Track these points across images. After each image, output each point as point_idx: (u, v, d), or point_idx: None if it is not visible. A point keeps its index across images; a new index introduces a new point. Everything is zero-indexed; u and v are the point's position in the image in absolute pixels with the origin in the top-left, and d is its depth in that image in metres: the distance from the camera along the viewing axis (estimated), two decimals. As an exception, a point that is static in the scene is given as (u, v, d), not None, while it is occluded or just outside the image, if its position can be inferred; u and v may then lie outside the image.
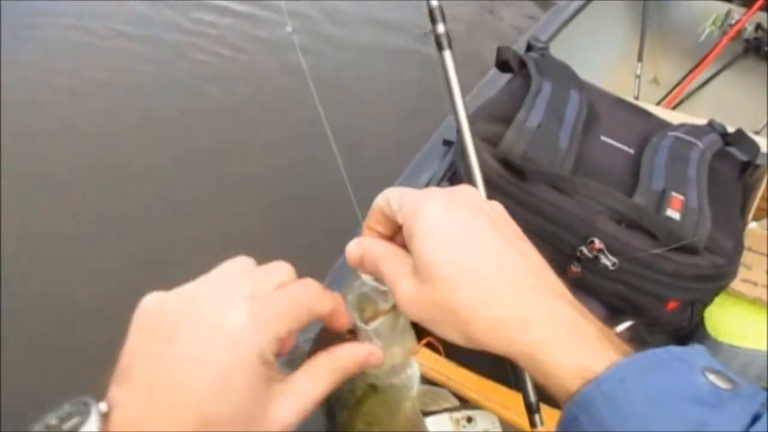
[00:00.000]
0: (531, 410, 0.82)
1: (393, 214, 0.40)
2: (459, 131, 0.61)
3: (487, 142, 1.04)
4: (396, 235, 0.42)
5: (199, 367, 0.34)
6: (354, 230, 0.47)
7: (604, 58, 2.19)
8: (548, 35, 1.88)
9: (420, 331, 0.43)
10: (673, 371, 0.32)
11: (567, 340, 0.34)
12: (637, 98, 2.02)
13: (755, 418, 0.30)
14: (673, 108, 2.01)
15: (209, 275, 0.38)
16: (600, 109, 1.20)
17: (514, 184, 0.99)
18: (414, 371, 0.46)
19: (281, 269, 0.39)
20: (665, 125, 1.22)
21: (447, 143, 1.52)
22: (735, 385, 0.31)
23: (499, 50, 1.32)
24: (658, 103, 2.05)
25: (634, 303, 0.99)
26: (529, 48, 1.34)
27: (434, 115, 1.61)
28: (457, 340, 0.37)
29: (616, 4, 2.29)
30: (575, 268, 0.98)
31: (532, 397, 0.82)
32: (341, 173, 0.98)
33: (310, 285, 0.39)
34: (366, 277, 0.42)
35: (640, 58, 2.17)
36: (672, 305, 0.98)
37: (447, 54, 0.56)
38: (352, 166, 1.04)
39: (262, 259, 0.40)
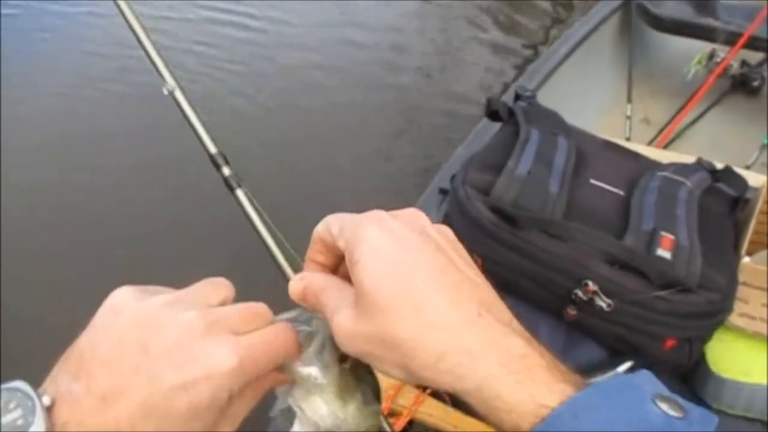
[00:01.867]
0: None
1: (334, 241, 0.38)
2: (278, 266, 0.56)
3: (479, 190, 1.07)
4: (340, 265, 0.40)
5: (173, 387, 0.33)
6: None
7: (595, 101, 2.24)
8: (536, 83, 1.93)
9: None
10: (625, 401, 0.32)
11: (517, 373, 0.32)
12: (629, 139, 2.06)
13: None
14: (665, 147, 2.05)
15: (186, 291, 0.37)
16: (589, 152, 1.23)
17: (507, 230, 1.01)
18: None
19: (223, 286, 0.39)
20: (654, 165, 1.25)
21: (442, 192, 1.55)
22: (685, 413, 0.32)
23: (489, 101, 1.36)
24: (650, 143, 2.08)
25: (632, 343, 1.00)
26: (517, 97, 1.38)
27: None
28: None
29: (601, 49, 2.34)
30: (571, 311, 0.99)
31: None
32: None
33: (287, 334, 0.38)
34: (307, 315, 0.40)
35: (629, 100, 2.22)
36: (669, 343, 0.99)
37: (240, 192, 0.57)
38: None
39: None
